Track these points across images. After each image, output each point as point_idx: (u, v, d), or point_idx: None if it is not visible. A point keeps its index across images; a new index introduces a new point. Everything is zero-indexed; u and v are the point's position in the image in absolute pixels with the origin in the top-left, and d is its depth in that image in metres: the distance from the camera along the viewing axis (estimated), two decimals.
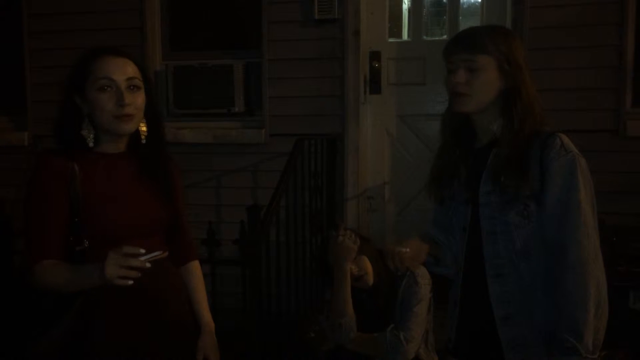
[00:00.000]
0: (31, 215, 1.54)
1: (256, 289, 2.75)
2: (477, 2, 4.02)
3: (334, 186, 3.84)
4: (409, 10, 4.10)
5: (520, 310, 1.55)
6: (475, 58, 1.55)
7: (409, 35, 4.12)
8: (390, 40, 4.12)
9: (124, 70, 1.56)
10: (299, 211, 3.24)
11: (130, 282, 1.34)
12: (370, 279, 2.40)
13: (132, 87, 1.57)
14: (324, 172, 3.68)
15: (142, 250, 1.34)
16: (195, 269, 1.82)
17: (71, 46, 3.88)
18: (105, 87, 1.54)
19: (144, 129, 1.64)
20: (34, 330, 1.54)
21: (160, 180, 1.66)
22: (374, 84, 4.07)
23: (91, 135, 1.58)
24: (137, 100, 1.58)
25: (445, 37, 4.00)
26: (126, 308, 1.56)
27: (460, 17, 4.00)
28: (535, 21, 3.64)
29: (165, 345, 1.63)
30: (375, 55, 4.06)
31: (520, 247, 1.53)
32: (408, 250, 1.59)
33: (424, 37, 4.05)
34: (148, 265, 1.34)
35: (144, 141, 1.64)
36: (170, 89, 4.09)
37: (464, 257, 1.65)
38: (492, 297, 1.57)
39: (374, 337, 2.33)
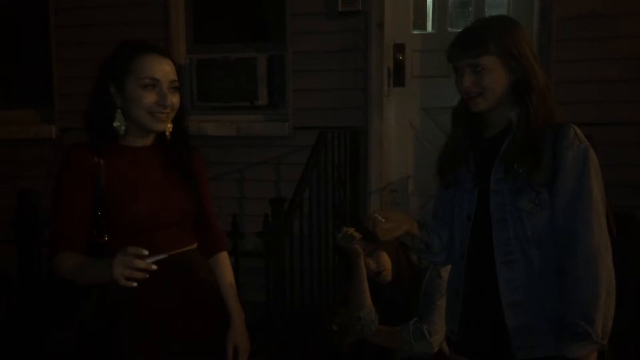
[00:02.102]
0: (55, 208, 1.58)
1: (280, 282, 2.76)
2: None
3: (357, 179, 3.82)
4: (434, 1, 4.05)
5: (528, 297, 1.56)
6: (478, 61, 1.55)
7: (433, 27, 4.07)
8: (415, 32, 4.07)
9: (167, 71, 1.60)
10: (322, 204, 3.24)
11: (134, 284, 1.34)
12: (389, 275, 2.39)
13: (173, 89, 1.61)
14: (347, 165, 3.67)
15: (146, 252, 1.34)
16: (224, 260, 1.83)
17: (97, 40, 3.93)
18: (149, 86, 1.57)
19: (170, 124, 1.66)
20: (55, 322, 1.57)
21: (185, 172, 1.68)
22: (398, 77, 4.03)
23: (123, 128, 1.60)
24: (175, 102, 1.62)
25: None
26: (152, 300, 1.57)
27: (487, 9, 3.94)
28: (563, 11, 3.57)
29: (194, 336, 1.64)
30: (399, 48, 4.02)
31: (531, 234, 1.54)
32: (383, 220, 1.62)
33: (449, 29, 3.99)
34: (154, 267, 1.34)
35: (168, 136, 1.66)
36: (194, 82, 4.11)
37: (467, 245, 1.65)
38: (501, 283, 1.57)
39: (397, 330, 2.33)
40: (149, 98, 1.57)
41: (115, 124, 1.59)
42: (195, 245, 1.72)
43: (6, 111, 4.50)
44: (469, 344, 1.68)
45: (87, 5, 4.27)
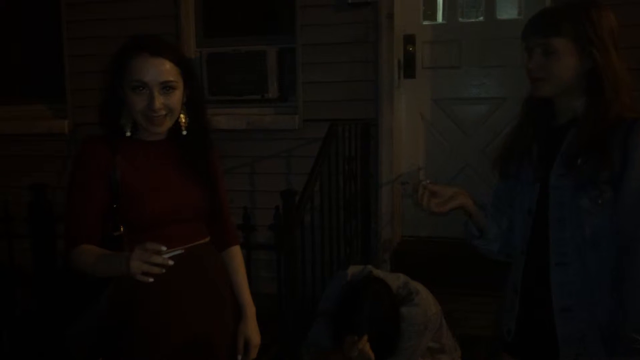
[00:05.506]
0: (71, 201, 1.59)
1: (291, 274, 2.76)
2: None
3: (368, 171, 3.82)
4: None
5: (581, 303, 1.46)
6: (549, 41, 1.46)
7: (443, 18, 4.04)
8: (425, 23, 4.05)
9: (158, 73, 1.55)
10: (333, 197, 3.24)
11: (151, 279, 1.35)
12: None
13: (166, 88, 1.57)
14: (358, 158, 3.66)
15: (164, 248, 1.35)
16: (237, 253, 1.84)
17: (108, 34, 3.94)
18: (138, 88, 1.55)
19: (184, 120, 1.65)
20: (71, 315, 1.59)
21: (200, 166, 1.68)
22: (408, 68, 4.02)
23: (129, 125, 1.61)
24: (171, 101, 1.58)
25: (481, 18, 3.91)
26: (167, 293, 1.58)
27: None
28: None
29: (204, 329, 1.66)
30: (409, 39, 4.00)
31: (589, 235, 1.44)
32: (428, 184, 1.60)
33: (460, 19, 3.97)
34: (170, 262, 1.35)
35: (184, 132, 1.66)
36: (204, 75, 4.12)
37: (527, 241, 1.56)
38: (553, 286, 1.49)
39: None
40: (139, 101, 1.56)
41: (122, 121, 1.60)
42: (207, 239, 1.73)
43: (19, 107, 4.54)
44: (524, 346, 1.59)
45: (98, 0, 4.29)
